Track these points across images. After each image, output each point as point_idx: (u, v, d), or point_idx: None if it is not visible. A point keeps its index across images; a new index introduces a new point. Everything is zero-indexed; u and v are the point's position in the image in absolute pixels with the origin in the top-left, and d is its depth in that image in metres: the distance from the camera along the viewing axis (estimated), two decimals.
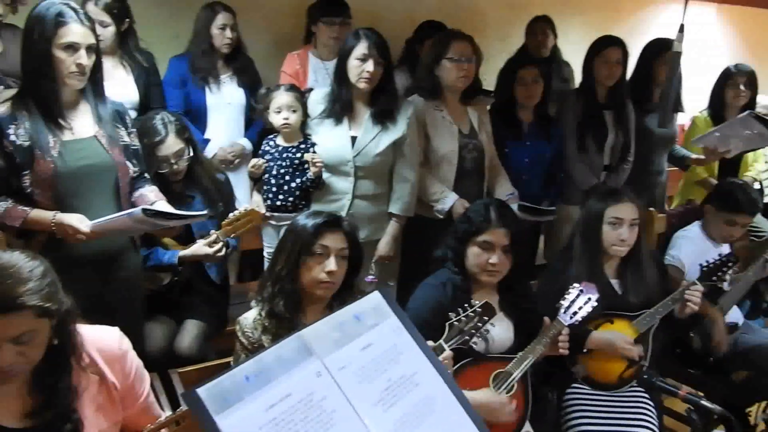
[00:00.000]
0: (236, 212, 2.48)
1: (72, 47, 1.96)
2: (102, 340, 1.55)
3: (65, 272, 2.01)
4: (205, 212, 2.28)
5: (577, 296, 2.13)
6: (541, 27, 4.08)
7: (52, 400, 1.43)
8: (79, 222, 1.98)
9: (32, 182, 1.99)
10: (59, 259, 2.00)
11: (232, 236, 2.50)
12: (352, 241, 1.94)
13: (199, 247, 2.43)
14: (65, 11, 1.96)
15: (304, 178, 2.75)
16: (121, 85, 2.94)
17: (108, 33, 2.86)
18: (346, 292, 1.95)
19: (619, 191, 2.50)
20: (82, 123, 2.08)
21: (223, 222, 2.48)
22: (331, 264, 1.86)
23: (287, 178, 2.77)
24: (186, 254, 2.45)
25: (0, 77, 2.67)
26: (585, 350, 2.34)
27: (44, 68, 1.97)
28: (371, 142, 2.72)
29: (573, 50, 4.24)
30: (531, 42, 4.08)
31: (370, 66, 2.62)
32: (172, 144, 2.49)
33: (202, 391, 1.05)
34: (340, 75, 2.70)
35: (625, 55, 3.28)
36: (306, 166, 2.73)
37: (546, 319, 2.11)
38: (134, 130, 2.27)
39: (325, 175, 2.76)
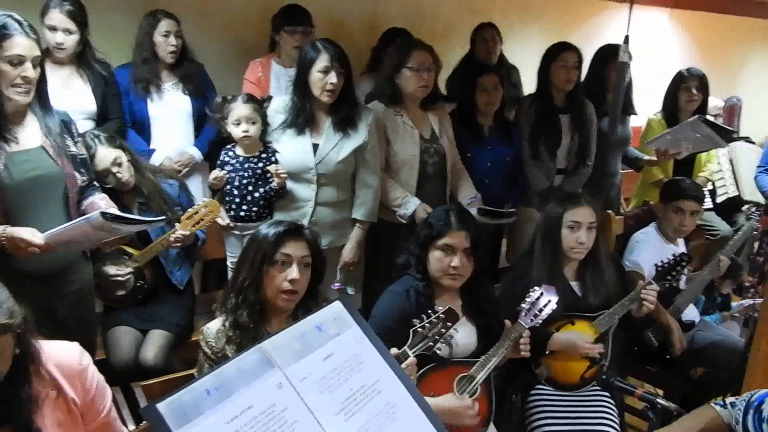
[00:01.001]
0: (194, 206, 2.51)
1: (17, 60, 1.92)
2: (61, 354, 1.53)
3: (13, 286, 1.99)
4: (163, 217, 2.26)
5: (538, 298, 2.16)
6: (489, 34, 4.12)
7: (12, 411, 1.41)
8: (32, 235, 1.94)
9: None
10: (10, 274, 1.98)
11: (193, 228, 2.51)
12: (314, 248, 1.95)
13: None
14: (9, 23, 1.91)
15: (267, 188, 2.74)
16: (78, 95, 2.90)
17: (72, 41, 2.82)
18: (311, 300, 1.95)
19: (577, 195, 2.55)
20: (29, 134, 2.04)
21: (182, 216, 2.50)
22: (294, 272, 1.86)
23: (250, 188, 2.76)
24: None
25: None
26: (547, 351, 2.38)
27: None
28: (333, 150, 2.73)
29: (533, 55, 4.32)
30: (480, 49, 4.12)
31: (333, 78, 2.63)
32: (104, 154, 2.49)
33: (161, 406, 1.05)
34: (301, 88, 2.70)
35: (580, 59, 3.35)
36: (269, 175, 2.73)
37: (507, 322, 2.14)
38: (80, 139, 2.23)
39: (288, 183, 2.76)
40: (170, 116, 3.14)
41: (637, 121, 3.98)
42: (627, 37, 2.76)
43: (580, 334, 2.39)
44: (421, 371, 2.01)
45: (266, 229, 1.92)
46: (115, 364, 2.41)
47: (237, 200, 2.77)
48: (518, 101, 3.63)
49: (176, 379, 1.97)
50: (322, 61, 2.63)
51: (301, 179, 2.76)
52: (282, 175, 2.70)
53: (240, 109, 2.71)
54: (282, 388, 1.21)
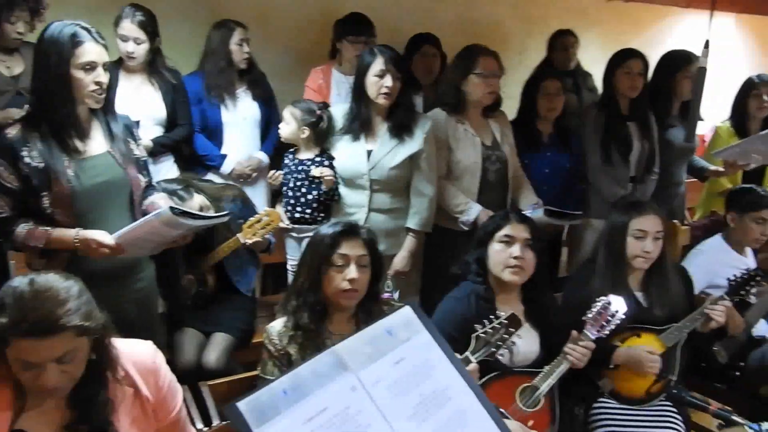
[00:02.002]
0: (256, 216, 2.57)
1: (90, 66, 1.97)
2: (136, 353, 1.57)
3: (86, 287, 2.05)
4: (227, 212, 2.31)
5: (605, 308, 2.11)
6: (569, 41, 4.11)
7: (89, 413, 1.45)
8: (103, 236, 2.00)
9: (51, 202, 2.00)
10: (81, 274, 2.05)
11: (253, 237, 2.56)
12: (371, 248, 1.96)
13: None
14: (79, 32, 1.97)
15: (319, 191, 2.77)
16: (149, 102, 3.00)
17: (142, 50, 2.93)
18: (370, 301, 1.97)
19: (643, 203, 2.50)
20: (94, 141, 2.10)
21: (244, 225, 2.56)
22: (352, 272, 1.88)
23: (303, 190, 2.81)
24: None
25: (24, 96, 2.73)
26: (612, 366, 2.32)
27: (61, 90, 1.97)
28: (387, 156, 2.74)
29: (591, 62, 4.25)
30: (557, 55, 4.10)
31: (388, 81, 2.65)
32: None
33: (242, 405, 1.07)
34: (359, 92, 2.73)
35: (646, 66, 3.28)
36: (319, 178, 2.76)
37: (574, 332, 2.10)
38: (142, 141, 2.29)
39: (342, 189, 2.80)
40: (241, 122, 3.23)
41: (700, 130, 3.86)
42: (708, 42, 2.68)
43: (647, 348, 2.31)
44: (482, 380, 1.99)
45: (323, 230, 1.95)
46: (179, 366, 2.46)
47: (292, 202, 2.84)
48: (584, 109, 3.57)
49: (242, 380, 2.00)
50: (378, 64, 2.65)
51: (354, 185, 2.78)
52: (327, 179, 2.72)
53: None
54: (355, 391, 1.22)
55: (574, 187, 3.34)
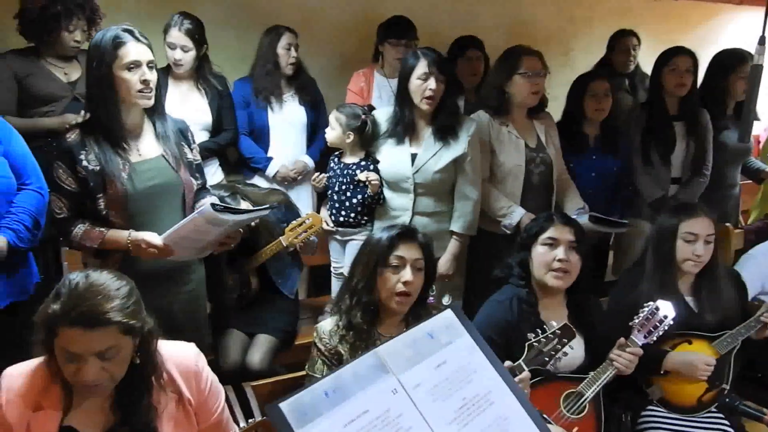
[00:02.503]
0: (299, 219, 2.61)
1: (134, 65, 2.01)
2: (180, 356, 1.60)
3: (137, 287, 2.11)
4: (268, 206, 2.34)
5: (653, 314, 2.05)
6: (630, 42, 4.02)
7: (133, 417, 1.48)
8: (152, 237, 2.05)
9: (106, 204, 2.06)
10: (133, 275, 2.11)
11: (295, 240, 2.59)
12: (426, 252, 1.97)
13: None
14: (120, 34, 2.01)
15: (364, 195, 2.78)
16: (196, 109, 3.07)
17: (189, 57, 3.01)
18: (420, 306, 1.98)
19: (693, 205, 2.43)
20: (147, 144, 2.15)
21: (287, 228, 2.59)
22: (407, 274, 1.90)
23: (348, 194, 2.82)
24: None
25: (80, 101, 2.83)
26: (662, 372, 2.25)
27: (107, 93, 2.01)
28: (431, 159, 2.73)
29: (640, 63, 4.16)
30: (618, 57, 4.02)
31: (432, 84, 2.64)
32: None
33: (284, 405, 1.09)
34: (402, 95, 2.73)
35: (695, 64, 3.19)
36: (365, 182, 2.77)
37: (621, 339, 2.05)
38: (196, 145, 2.33)
39: (386, 192, 2.80)
40: (287, 126, 3.27)
41: (755, 130, 3.73)
42: (763, 38, 2.58)
43: (699, 355, 2.24)
44: None
45: (381, 232, 1.97)
46: (224, 367, 2.51)
47: (336, 205, 2.86)
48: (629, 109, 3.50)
49: (285, 381, 2.03)
50: (421, 67, 2.64)
51: (398, 188, 2.78)
52: (374, 183, 2.73)
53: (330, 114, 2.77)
54: (396, 394, 1.22)
55: (621, 191, 3.27)
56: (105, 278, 1.43)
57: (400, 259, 1.92)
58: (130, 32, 2.03)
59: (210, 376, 1.64)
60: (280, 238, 2.60)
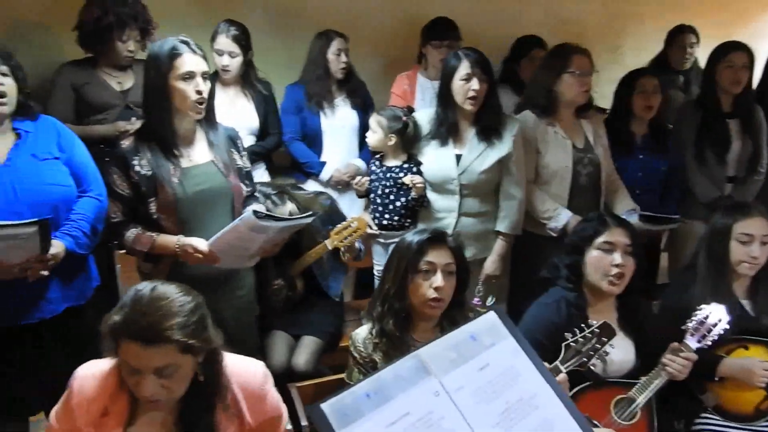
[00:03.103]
0: (345, 222, 2.61)
1: (189, 76, 2.07)
2: (246, 376, 1.56)
3: None
4: (310, 213, 2.36)
5: (706, 317, 2.00)
6: (689, 39, 3.93)
7: None
8: (199, 243, 2.09)
9: (157, 208, 2.11)
10: (184, 280, 2.15)
11: (341, 243, 2.60)
12: (458, 256, 1.94)
13: None
14: (177, 45, 2.07)
15: (408, 198, 2.78)
16: (243, 113, 3.14)
17: (236, 63, 3.07)
18: (456, 309, 1.95)
19: (749, 205, 2.34)
20: (198, 150, 2.19)
21: (332, 231, 2.61)
22: (438, 280, 1.87)
23: (392, 197, 2.82)
24: None
25: (132, 109, 2.92)
26: (717, 378, 2.18)
27: (162, 102, 2.07)
28: (476, 160, 2.71)
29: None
30: (676, 53, 3.93)
31: (475, 84, 2.62)
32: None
33: (326, 407, 1.09)
34: (445, 97, 2.72)
35: (751, 60, 3.07)
36: (409, 185, 2.77)
37: (673, 342, 2.00)
38: (246, 152, 2.37)
39: (431, 194, 2.79)
40: (339, 130, 3.30)
41: None
42: None
43: (756, 361, 2.15)
44: (575, 390, 1.93)
45: (410, 237, 1.94)
46: (270, 368, 2.52)
47: (380, 208, 2.86)
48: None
49: (329, 382, 2.04)
50: (464, 68, 2.63)
51: (443, 190, 2.76)
52: (418, 186, 2.72)
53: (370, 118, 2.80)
54: (438, 396, 1.21)
55: (671, 191, 3.19)
56: (171, 293, 1.41)
57: (431, 265, 1.88)
58: (186, 44, 2.08)
59: (274, 400, 1.61)
60: (326, 241, 2.62)
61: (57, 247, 2.05)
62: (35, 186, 2.06)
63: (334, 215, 2.82)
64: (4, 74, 2.03)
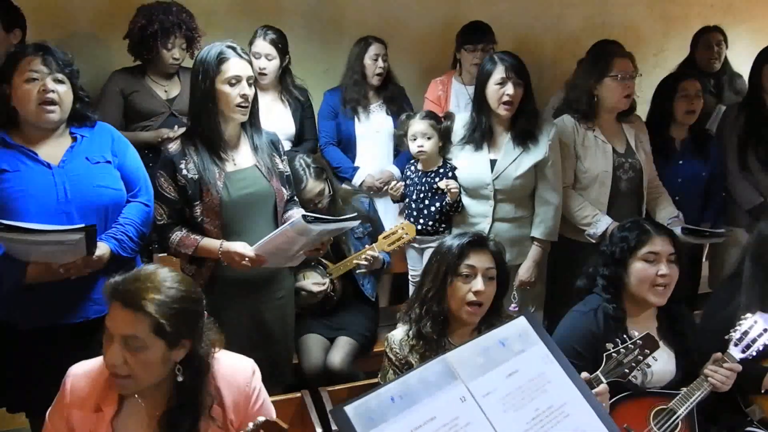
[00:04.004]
0: (393, 227, 2.63)
1: (236, 80, 2.11)
2: (234, 372, 1.57)
3: (230, 294, 2.15)
4: (356, 215, 2.38)
5: (751, 327, 1.93)
6: (715, 38, 3.80)
7: (175, 423, 1.48)
8: (243, 248, 2.12)
9: (202, 211, 2.15)
10: (226, 282, 2.18)
11: (388, 248, 2.62)
12: (499, 260, 1.92)
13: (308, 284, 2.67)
14: (224, 50, 2.12)
15: (443, 203, 2.77)
16: (279, 119, 3.17)
17: (273, 66, 3.11)
18: (493, 315, 1.93)
19: None
20: (243, 154, 2.23)
21: (380, 236, 2.63)
22: (479, 284, 1.85)
23: (426, 202, 2.81)
24: (298, 286, 2.63)
25: (177, 117, 2.99)
26: (763, 390, 2.09)
27: (209, 105, 2.11)
28: (511, 165, 2.69)
29: (740, 61, 3.91)
30: (702, 55, 3.81)
31: (509, 89, 2.60)
32: (312, 186, 2.66)
33: (349, 409, 1.09)
34: (480, 102, 2.70)
35: None
36: (444, 190, 2.75)
37: (717, 353, 1.94)
38: (286, 157, 2.40)
39: (465, 199, 2.77)
40: (374, 135, 3.31)
41: None
42: None
43: None
44: (613, 399, 1.88)
45: (451, 240, 1.93)
46: (306, 369, 2.56)
47: (414, 213, 2.85)
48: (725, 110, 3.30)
49: (362, 387, 2.04)
50: (499, 72, 2.61)
51: (478, 195, 2.74)
52: (453, 191, 2.71)
53: (416, 125, 2.78)
54: (465, 402, 1.20)
55: (712, 199, 3.11)
56: (166, 275, 1.46)
57: (471, 269, 1.87)
58: (233, 49, 2.13)
59: (261, 397, 1.60)
60: (373, 244, 2.64)
61: (102, 249, 2.10)
62: (86, 188, 2.11)
63: (372, 217, 2.84)
64: (59, 81, 2.08)
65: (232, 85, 2.10)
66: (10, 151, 2.07)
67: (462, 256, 1.88)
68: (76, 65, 2.16)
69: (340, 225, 2.26)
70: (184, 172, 2.12)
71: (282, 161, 2.34)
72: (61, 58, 2.10)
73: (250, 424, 1.34)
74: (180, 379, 1.48)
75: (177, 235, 2.16)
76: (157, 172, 2.17)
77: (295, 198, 2.45)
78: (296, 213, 2.33)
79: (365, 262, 2.64)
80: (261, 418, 1.34)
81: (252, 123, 2.24)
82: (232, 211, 2.16)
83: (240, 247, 2.12)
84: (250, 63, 2.18)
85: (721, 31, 3.82)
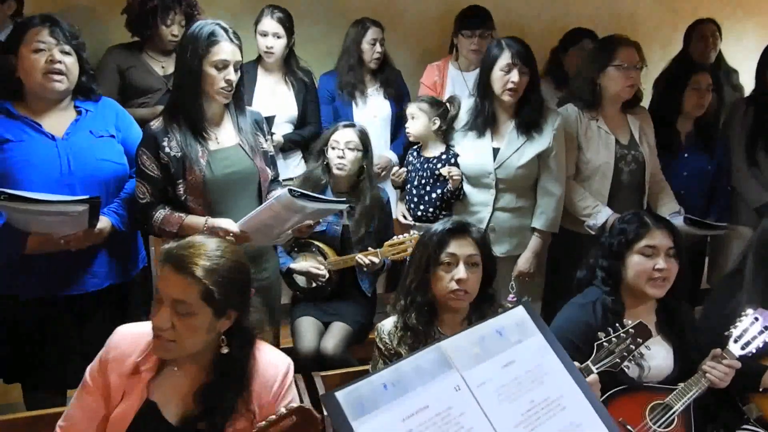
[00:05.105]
0: (401, 237, 2.59)
1: (223, 65, 2.08)
2: (267, 365, 1.55)
3: None
4: (344, 200, 2.35)
5: (751, 324, 1.91)
6: (708, 29, 3.74)
7: (211, 414, 1.47)
8: (229, 224, 2.10)
9: (185, 190, 2.12)
10: None
11: (391, 257, 2.59)
12: (482, 247, 1.89)
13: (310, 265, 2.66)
14: (217, 31, 2.08)
15: (444, 189, 2.74)
16: (283, 101, 3.14)
17: (280, 45, 3.08)
18: (485, 303, 1.90)
19: None
20: (226, 133, 2.21)
21: (387, 242, 2.59)
22: (461, 272, 1.82)
23: (428, 188, 2.78)
24: (295, 267, 2.66)
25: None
26: (761, 389, 2.07)
27: (194, 84, 2.08)
28: (514, 154, 2.65)
29: (748, 56, 3.86)
30: (696, 46, 3.75)
31: (515, 76, 2.55)
32: (348, 134, 2.64)
33: (340, 395, 1.07)
34: (483, 87, 2.65)
35: None
36: (446, 177, 2.72)
37: (716, 349, 1.92)
38: (270, 137, 2.37)
39: (466, 187, 2.74)
40: (372, 120, 3.26)
41: None
42: None
43: None
44: (608, 393, 1.86)
45: (432, 228, 1.91)
46: (300, 352, 2.55)
47: (415, 199, 2.82)
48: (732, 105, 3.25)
49: (355, 373, 2.02)
50: (504, 58, 2.57)
51: (479, 183, 2.71)
52: (455, 178, 2.67)
53: (408, 107, 2.77)
54: (459, 391, 1.18)
55: (716, 193, 3.08)
56: (219, 245, 1.48)
57: (452, 257, 1.84)
58: (225, 30, 2.09)
59: (286, 399, 1.55)
60: (378, 250, 2.60)
61: (103, 222, 2.09)
62: (89, 161, 2.11)
63: (387, 211, 2.79)
64: (66, 53, 2.07)
65: (218, 69, 2.07)
66: (14, 121, 2.08)
67: (442, 244, 1.85)
68: (83, 38, 2.15)
69: (327, 206, 2.23)
70: (167, 149, 2.09)
71: (266, 141, 2.31)
72: (68, 30, 2.09)
73: (283, 409, 1.32)
74: (225, 351, 1.48)
75: (161, 213, 2.12)
76: (140, 149, 2.13)
77: (279, 179, 2.42)
78: (282, 189, 2.31)
79: (367, 262, 2.60)
80: (293, 404, 1.33)
81: (237, 105, 2.21)
82: (215, 189, 2.14)
83: (225, 223, 2.09)
84: (240, 47, 2.13)
85: (714, 23, 3.77)
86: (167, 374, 1.51)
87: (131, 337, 1.53)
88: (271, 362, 1.57)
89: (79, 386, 1.56)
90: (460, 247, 1.85)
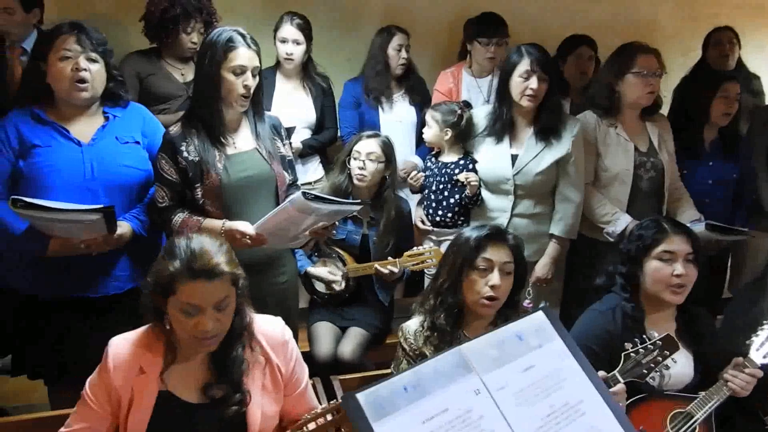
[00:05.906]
0: (422, 248, 2.59)
1: (240, 70, 2.10)
2: (267, 328, 1.68)
3: None
4: (359, 201, 2.36)
5: None
6: (725, 36, 3.72)
7: (228, 371, 1.57)
8: (245, 227, 2.12)
9: (203, 194, 2.14)
10: None
11: (411, 267, 2.59)
12: (517, 255, 1.89)
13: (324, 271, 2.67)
14: (235, 37, 2.11)
15: (462, 195, 2.73)
16: (301, 106, 3.16)
17: (300, 51, 3.11)
18: (510, 310, 1.90)
19: None
20: (243, 137, 2.23)
21: (407, 252, 2.59)
22: (495, 278, 1.83)
23: (446, 194, 2.79)
24: (312, 271, 2.68)
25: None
26: None
27: (212, 90, 2.11)
28: (533, 161, 2.65)
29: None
30: (713, 53, 3.73)
31: (533, 83, 2.55)
32: (371, 145, 2.63)
33: (361, 396, 1.07)
34: (502, 93, 2.66)
35: None
36: (463, 182, 2.72)
37: (738, 358, 1.90)
38: (288, 141, 2.39)
39: (484, 193, 2.74)
40: (397, 126, 3.27)
41: None
42: None
43: None
44: (629, 401, 1.85)
45: (469, 232, 1.91)
46: (317, 357, 2.55)
47: (433, 205, 2.82)
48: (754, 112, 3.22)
49: (373, 377, 2.01)
50: (524, 65, 2.57)
51: (497, 189, 2.71)
52: (473, 184, 2.67)
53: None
54: (479, 394, 1.17)
55: (741, 201, 3.05)
56: (205, 239, 1.56)
57: (488, 262, 1.84)
58: (243, 37, 2.12)
59: (295, 349, 1.70)
60: (397, 260, 2.59)
61: (124, 227, 2.12)
62: (113, 167, 2.14)
63: (408, 222, 2.79)
64: (93, 60, 2.11)
65: (236, 74, 2.09)
66: (43, 127, 2.12)
67: (479, 248, 1.85)
68: (110, 45, 2.18)
69: (342, 207, 2.24)
70: (185, 154, 2.11)
71: (284, 145, 2.33)
72: (95, 37, 2.13)
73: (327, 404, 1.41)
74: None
75: (179, 216, 2.14)
76: (159, 154, 2.16)
77: (298, 183, 2.43)
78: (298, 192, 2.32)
79: (385, 272, 2.60)
80: (336, 401, 1.44)
81: (255, 110, 2.23)
82: (232, 193, 2.16)
83: (242, 225, 2.11)
84: (258, 53, 2.15)
85: (732, 30, 3.74)
86: (178, 362, 1.58)
87: (128, 343, 1.58)
88: (268, 321, 1.70)
89: (79, 401, 1.60)
90: (496, 253, 1.85)
